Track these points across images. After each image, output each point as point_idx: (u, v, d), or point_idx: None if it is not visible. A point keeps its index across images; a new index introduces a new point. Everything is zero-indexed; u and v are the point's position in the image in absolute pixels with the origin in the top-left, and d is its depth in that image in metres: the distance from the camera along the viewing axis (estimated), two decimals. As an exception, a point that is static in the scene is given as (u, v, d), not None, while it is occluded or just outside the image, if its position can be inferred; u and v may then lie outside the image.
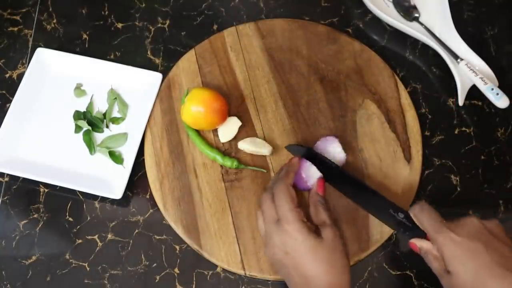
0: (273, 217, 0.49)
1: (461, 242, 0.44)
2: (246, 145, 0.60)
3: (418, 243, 0.48)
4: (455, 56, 0.65)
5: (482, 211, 0.60)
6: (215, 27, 0.71)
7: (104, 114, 0.65)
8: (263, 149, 0.60)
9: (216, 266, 0.58)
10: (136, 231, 0.60)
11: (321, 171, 0.55)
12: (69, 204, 0.62)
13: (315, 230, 0.48)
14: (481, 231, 0.44)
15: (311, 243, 0.46)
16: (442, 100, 0.66)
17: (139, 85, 0.66)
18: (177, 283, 0.58)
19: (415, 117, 0.63)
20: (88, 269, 0.59)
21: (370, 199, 0.54)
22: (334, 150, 0.59)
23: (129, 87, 0.66)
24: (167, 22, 0.72)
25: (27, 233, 0.61)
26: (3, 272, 0.59)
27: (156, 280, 0.58)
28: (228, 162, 0.59)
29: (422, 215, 0.48)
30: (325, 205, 0.52)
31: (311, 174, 0.55)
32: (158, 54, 0.70)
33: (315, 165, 0.55)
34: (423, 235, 0.48)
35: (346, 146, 0.61)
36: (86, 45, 0.71)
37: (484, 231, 0.44)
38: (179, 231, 0.59)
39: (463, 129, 0.65)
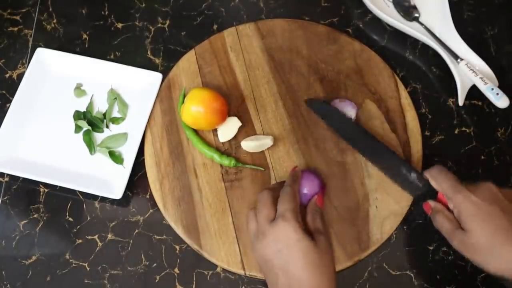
0: (270, 216, 0.49)
1: (480, 203, 0.46)
2: (249, 143, 0.60)
3: (432, 204, 0.51)
4: (455, 56, 0.65)
5: (482, 211, 0.60)
6: (215, 27, 0.71)
7: (104, 114, 0.65)
8: (266, 140, 0.60)
9: (216, 266, 0.58)
10: (136, 231, 0.60)
11: (336, 125, 0.60)
12: (69, 204, 0.62)
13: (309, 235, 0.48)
14: (498, 196, 0.47)
15: (305, 244, 0.46)
16: (442, 100, 0.66)
17: (139, 85, 0.66)
18: (177, 283, 0.58)
19: (415, 117, 0.63)
20: (88, 269, 0.59)
21: (382, 156, 0.56)
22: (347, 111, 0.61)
23: (129, 87, 0.66)
24: (167, 22, 0.72)
25: (27, 233, 0.61)
26: (3, 272, 0.59)
27: (156, 280, 0.58)
28: (226, 161, 0.60)
29: (441, 176, 0.50)
30: (322, 215, 0.53)
31: (312, 189, 0.55)
32: (158, 54, 0.70)
33: (331, 119, 0.60)
34: (434, 197, 0.51)
35: (346, 146, 0.61)
36: (86, 45, 0.71)
37: (501, 196, 0.47)
38: (179, 231, 0.59)
39: (463, 129, 0.65)
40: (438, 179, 0.51)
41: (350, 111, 0.61)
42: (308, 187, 0.55)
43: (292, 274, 0.45)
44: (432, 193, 0.52)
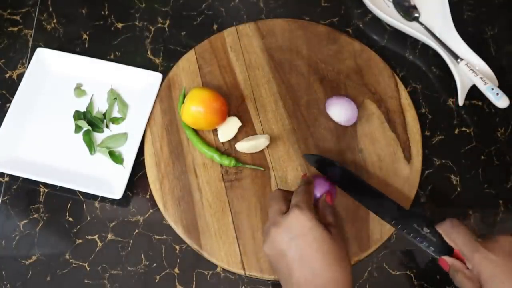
0: (282, 210, 0.47)
1: (500, 261, 0.43)
2: (244, 144, 0.60)
3: (449, 261, 0.47)
4: (455, 56, 0.65)
5: (482, 211, 0.60)
6: (215, 27, 0.71)
7: (104, 114, 0.65)
8: (261, 139, 0.59)
9: (216, 266, 0.58)
10: (136, 231, 0.60)
11: (336, 180, 0.54)
12: (69, 204, 0.62)
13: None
14: None
15: (319, 233, 0.44)
16: (442, 100, 0.66)
17: (139, 85, 0.66)
18: (177, 283, 0.58)
19: (415, 117, 0.63)
20: (88, 269, 0.59)
21: (390, 210, 0.52)
22: (346, 110, 0.60)
23: (129, 87, 0.66)
24: (167, 22, 0.72)
25: (27, 233, 0.61)
26: (3, 272, 0.59)
27: (156, 280, 0.58)
28: (226, 161, 0.60)
29: (454, 232, 0.46)
30: (334, 209, 0.50)
31: (324, 190, 0.54)
32: (158, 54, 0.70)
33: (328, 172, 0.56)
34: (449, 252, 0.47)
35: (346, 146, 0.61)
36: (86, 45, 0.71)
37: None
38: (179, 231, 0.59)
39: (463, 129, 0.65)
40: (452, 235, 0.47)
41: (348, 109, 0.60)
42: (319, 190, 0.53)
43: (307, 265, 0.43)
44: (447, 250, 0.47)
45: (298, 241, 0.44)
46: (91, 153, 0.63)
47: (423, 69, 0.68)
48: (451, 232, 0.47)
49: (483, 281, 0.43)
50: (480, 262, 0.43)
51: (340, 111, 0.61)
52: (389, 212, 0.52)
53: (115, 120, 0.65)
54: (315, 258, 0.43)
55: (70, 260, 0.59)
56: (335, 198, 0.55)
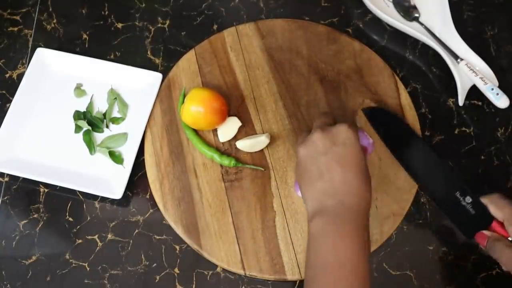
0: (329, 123, 0.49)
1: None
2: (245, 141, 0.60)
3: (488, 233, 0.49)
4: (455, 56, 0.65)
5: (482, 211, 0.60)
6: (215, 27, 0.71)
7: (104, 114, 0.65)
8: (261, 138, 0.60)
9: (216, 266, 0.58)
10: (136, 231, 0.60)
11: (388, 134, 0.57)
12: (69, 204, 0.62)
13: None
14: None
15: (360, 151, 0.46)
16: (442, 100, 0.66)
17: (139, 85, 0.66)
18: (177, 283, 0.58)
19: (415, 117, 0.63)
20: (88, 269, 0.59)
21: (438, 171, 0.53)
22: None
23: (129, 87, 0.66)
24: (167, 22, 0.72)
25: (27, 233, 0.61)
26: (3, 272, 0.59)
27: (156, 280, 0.58)
28: (226, 161, 0.60)
29: (502, 202, 0.48)
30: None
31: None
32: (158, 54, 0.70)
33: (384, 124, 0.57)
34: (485, 226, 0.48)
35: (346, 146, 0.61)
36: (86, 45, 0.71)
37: None
38: (179, 231, 0.59)
39: (463, 129, 0.65)
40: (500, 205, 0.48)
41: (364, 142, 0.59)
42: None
43: (340, 172, 0.45)
44: (484, 223, 0.49)
45: (339, 148, 0.46)
46: (91, 153, 0.63)
47: (423, 69, 0.68)
48: (499, 203, 0.48)
49: None
50: None
51: None
52: (432, 172, 0.54)
53: (115, 120, 0.65)
54: (349, 166, 0.45)
55: (70, 260, 0.59)
56: (373, 152, 0.55)
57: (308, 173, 0.47)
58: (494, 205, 0.49)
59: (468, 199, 0.49)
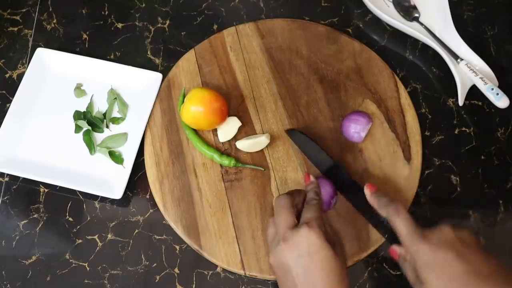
0: (290, 222, 0.47)
1: (433, 251, 0.43)
2: (244, 142, 0.60)
3: (398, 250, 0.47)
4: (455, 56, 0.65)
5: (482, 211, 0.60)
6: (215, 27, 0.71)
7: (104, 114, 0.65)
8: (261, 138, 0.60)
9: (216, 266, 0.58)
10: (136, 231, 0.60)
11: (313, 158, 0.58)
12: (69, 204, 0.62)
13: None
14: (453, 240, 0.43)
15: (326, 253, 0.45)
16: (442, 100, 0.66)
17: (139, 85, 0.66)
18: (177, 283, 0.58)
19: (415, 117, 0.63)
20: (88, 269, 0.59)
21: (356, 194, 0.53)
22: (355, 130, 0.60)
23: (129, 87, 0.66)
24: (167, 22, 0.72)
25: (27, 233, 0.61)
26: (3, 272, 0.59)
27: (156, 280, 0.58)
28: (225, 161, 0.60)
29: (398, 220, 0.46)
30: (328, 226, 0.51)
31: (327, 194, 0.55)
32: (158, 54, 0.70)
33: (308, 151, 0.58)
34: (397, 241, 0.47)
35: (346, 146, 0.61)
36: (86, 45, 0.71)
37: (456, 240, 0.43)
38: (179, 231, 0.59)
39: (463, 129, 0.65)
40: (395, 222, 0.47)
41: (362, 125, 0.60)
42: (323, 193, 0.54)
43: (311, 283, 0.44)
44: (396, 238, 0.48)
45: (305, 259, 0.45)
46: (91, 153, 0.63)
47: (423, 69, 0.68)
48: (395, 219, 0.47)
49: (418, 269, 0.44)
50: (415, 251, 0.44)
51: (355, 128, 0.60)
52: (354, 195, 0.54)
53: (115, 120, 0.65)
54: (320, 277, 0.44)
55: (70, 260, 0.59)
56: (337, 202, 0.55)
57: (283, 285, 0.46)
58: (391, 223, 0.47)
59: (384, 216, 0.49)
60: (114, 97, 0.65)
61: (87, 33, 0.71)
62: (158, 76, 0.65)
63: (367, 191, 0.51)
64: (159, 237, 0.60)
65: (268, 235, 0.49)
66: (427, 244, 0.43)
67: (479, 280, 0.41)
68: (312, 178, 0.54)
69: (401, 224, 0.46)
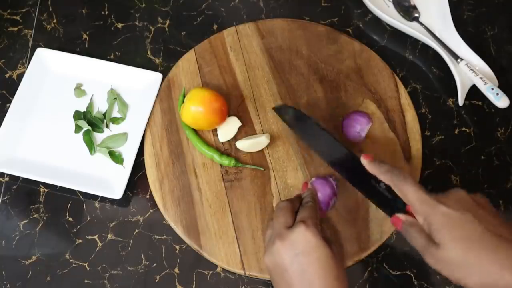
0: (288, 223, 0.47)
1: (449, 212, 0.42)
2: (244, 142, 0.60)
3: (402, 217, 0.46)
4: (455, 56, 0.65)
5: (482, 211, 0.60)
6: (215, 27, 0.71)
7: (104, 114, 0.65)
8: (261, 138, 0.60)
9: (216, 266, 0.58)
10: (136, 231, 0.60)
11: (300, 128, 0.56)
12: (69, 204, 0.62)
13: None
14: (469, 202, 0.43)
15: (322, 251, 0.44)
16: (442, 100, 0.66)
17: (139, 85, 0.66)
18: (177, 283, 0.58)
19: (415, 117, 0.63)
20: (88, 269, 0.59)
21: (349, 164, 0.52)
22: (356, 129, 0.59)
23: (129, 87, 0.66)
24: (167, 22, 0.72)
25: (27, 233, 0.61)
26: (3, 272, 0.59)
27: (156, 280, 0.58)
28: (225, 161, 0.60)
29: (406, 186, 0.45)
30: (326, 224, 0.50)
31: (326, 194, 0.55)
32: (158, 54, 0.70)
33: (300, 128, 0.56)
34: (402, 209, 0.46)
35: (346, 146, 0.61)
36: (86, 45, 0.71)
37: (472, 202, 0.43)
38: (179, 231, 0.59)
39: (463, 129, 0.65)
40: (403, 188, 0.45)
41: (362, 125, 0.59)
42: (322, 193, 0.54)
43: (308, 282, 0.43)
44: (401, 206, 0.47)
45: (301, 258, 0.44)
46: (91, 153, 0.63)
47: (423, 69, 0.68)
48: (403, 185, 0.45)
49: (433, 233, 0.42)
50: (430, 213, 0.43)
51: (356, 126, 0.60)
52: (345, 165, 0.52)
53: (115, 120, 0.65)
54: (317, 276, 0.44)
55: (70, 260, 0.59)
56: (336, 203, 0.55)
57: (279, 285, 0.46)
58: (398, 190, 0.46)
59: (382, 185, 0.48)
60: (114, 97, 0.65)
61: (87, 33, 0.71)
62: (158, 76, 0.65)
63: (364, 161, 0.49)
64: (159, 237, 0.60)
65: (265, 237, 0.49)
66: (443, 205, 0.42)
67: (498, 240, 0.40)
68: (309, 185, 0.54)
69: (410, 189, 0.45)
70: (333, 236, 0.49)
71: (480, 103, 0.66)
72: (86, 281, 0.58)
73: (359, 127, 0.59)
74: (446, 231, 0.41)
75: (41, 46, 0.68)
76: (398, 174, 0.46)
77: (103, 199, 0.62)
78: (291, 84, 0.65)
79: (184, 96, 0.63)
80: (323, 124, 0.58)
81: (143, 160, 0.62)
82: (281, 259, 0.45)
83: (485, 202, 0.44)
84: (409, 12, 0.70)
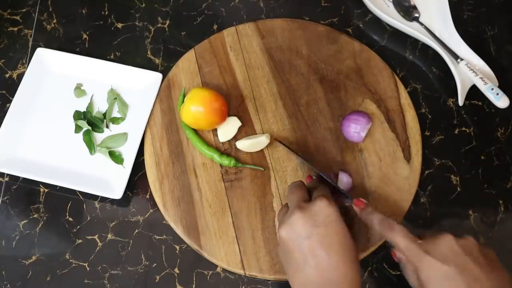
0: (306, 197, 0.47)
1: (436, 264, 0.43)
2: (244, 142, 0.60)
3: (398, 254, 0.47)
4: (455, 56, 0.65)
5: (482, 211, 0.60)
6: (215, 27, 0.71)
7: (104, 114, 0.65)
8: (261, 138, 0.60)
9: (216, 266, 0.58)
10: (136, 231, 0.60)
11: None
12: (69, 204, 0.62)
13: None
14: (456, 251, 0.43)
15: (342, 227, 0.44)
16: (442, 100, 0.66)
17: (139, 85, 0.66)
18: (177, 283, 0.58)
19: (415, 117, 0.63)
20: (88, 269, 0.59)
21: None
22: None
23: (129, 87, 0.66)
24: (167, 22, 0.72)
25: (27, 233, 0.61)
26: (3, 272, 0.59)
27: (156, 280, 0.58)
28: (225, 161, 0.60)
29: (394, 235, 0.46)
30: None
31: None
32: (158, 54, 0.70)
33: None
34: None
35: (345, 147, 0.61)
36: (86, 45, 0.71)
37: (458, 250, 0.43)
38: (179, 231, 0.59)
39: (463, 129, 0.65)
40: (393, 238, 0.46)
41: (362, 125, 0.60)
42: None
43: (325, 255, 0.43)
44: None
45: (321, 230, 0.44)
46: (91, 153, 0.63)
47: (423, 69, 0.68)
48: (391, 235, 0.46)
49: (421, 281, 0.44)
50: (416, 263, 0.44)
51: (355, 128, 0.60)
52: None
53: (115, 120, 0.65)
54: (335, 250, 0.43)
55: (70, 260, 0.59)
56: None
57: (293, 260, 0.45)
58: (389, 239, 0.47)
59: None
60: (114, 97, 0.65)
61: (87, 33, 0.71)
62: (158, 76, 0.65)
63: (356, 208, 0.50)
64: (159, 237, 0.60)
65: (279, 216, 0.49)
66: (428, 257, 0.43)
67: None
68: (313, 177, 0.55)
69: (398, 237, 0.45)
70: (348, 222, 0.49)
71: (480, 103, 0.66)
72: (86, 281, 0.58)
73: (359, 127, 0.59)
74: (432, 282, 0.43)
75: (41, 46, 0.68)
76: (387, 224, 0.47)
77: (103, 199, 0.62)
78: (291, 84, 0.65)
79: (184, 96, 0.63)
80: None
81: (143, 160, 0.62)
82: (298, 230, 0.45)
83: (473, 245, 0.44)
84: (409, 12, 0.70)
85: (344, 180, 0.58)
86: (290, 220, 0.45)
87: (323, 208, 0.45)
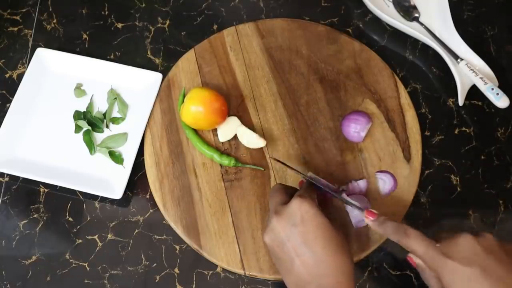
0: (284, 200, 0.47)
1: (458, 267, 0.42)
2: (244, 130, 0.60)
3: (416, 260, 0.47)
4: (455, 56, 0.65)
5: (482, 211, 0.60)
6: (215, 27, 0.71)
7: (104, 114, 0.65)
8: (257, 140, 0.60)
9: (216, 266, 0.58)
10: (136, 231, 0.60)
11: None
12: (69, 204, 0.62)
13: None
14: (476, 251, 0.42)
15: (321, 220, 0.44)
16: (442, 100, 0.66)
17: (139, 85, 0.66)
18: (177, 283, 0.58)
19: (415, 117, 0.63)
20: (88, 269, 0.59)
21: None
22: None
23: (129, 87, 0.66)
24: (167, 22, 0.72)
25: (27, 233, 0.61)
26: (3, 272, 0.59)
27: (156, 280, 0.58)
28: (225, 161, 0.60)
29: (411, 242, 0.45)
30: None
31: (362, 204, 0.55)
32: (158, 54, 0.70)
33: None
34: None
35: (345, 146, 0.61)
36: (86, 45, 0.71)
37: (480, 250, 0.42)
38: (179, 231, 0.59)
39: (463, 129, 0.65)
40: (412, 245, 0.45)
41: (362, 125, 0.60)
42: (359, 202, 0.55)
43: (309, 252, 0.43)
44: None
45: (299, 228, 0.44)
46: (91, 153, 0.63)
47: (423, 69, 0.68)
48: (407, 242, 0.45)
49: (444, 284, 0.43)
50: (438, 269, 0.43)
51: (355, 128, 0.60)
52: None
53: (115, 120, 0.65)
54: (317, 244, 0.43)
55: (70, 260, 0.59)
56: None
57: (283, 263, 0.45)
58: (407, 247, 0.46)
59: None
60: (114, 97, 0.65)
61: (87, 33, 0.71)
62: (158, 76, 0.65)
63: (368, 220, 0.49)
64: (159, 237, 0.60)
65: (265, 223, 0.50)
66: (449, 261, 0.42)
67: None
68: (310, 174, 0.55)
69: (415, 244, 0.45)
70: (332, 216, 0.48)
71: (480, 103, 0.66)
72: (86, 281, 0.58)
73: (359, 127, 0.59)
74: (456, 285, 0.42)
75: (41, 46, 0.68)
76: (402, 232, 0.46)
77: (103, 199, 0.62)
78: (291, 84, 0.65)
79: (184, 96, 0.63)
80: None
81: (143, 160, 0.62)
82: (279, 234, 0.45)
83: (493, 244, 0.43)
84: (409, 12, 0.70)
85: (361, 186, 0.59)
86: (271, 226, 0.46)
87: (298, 206, 0.45)
